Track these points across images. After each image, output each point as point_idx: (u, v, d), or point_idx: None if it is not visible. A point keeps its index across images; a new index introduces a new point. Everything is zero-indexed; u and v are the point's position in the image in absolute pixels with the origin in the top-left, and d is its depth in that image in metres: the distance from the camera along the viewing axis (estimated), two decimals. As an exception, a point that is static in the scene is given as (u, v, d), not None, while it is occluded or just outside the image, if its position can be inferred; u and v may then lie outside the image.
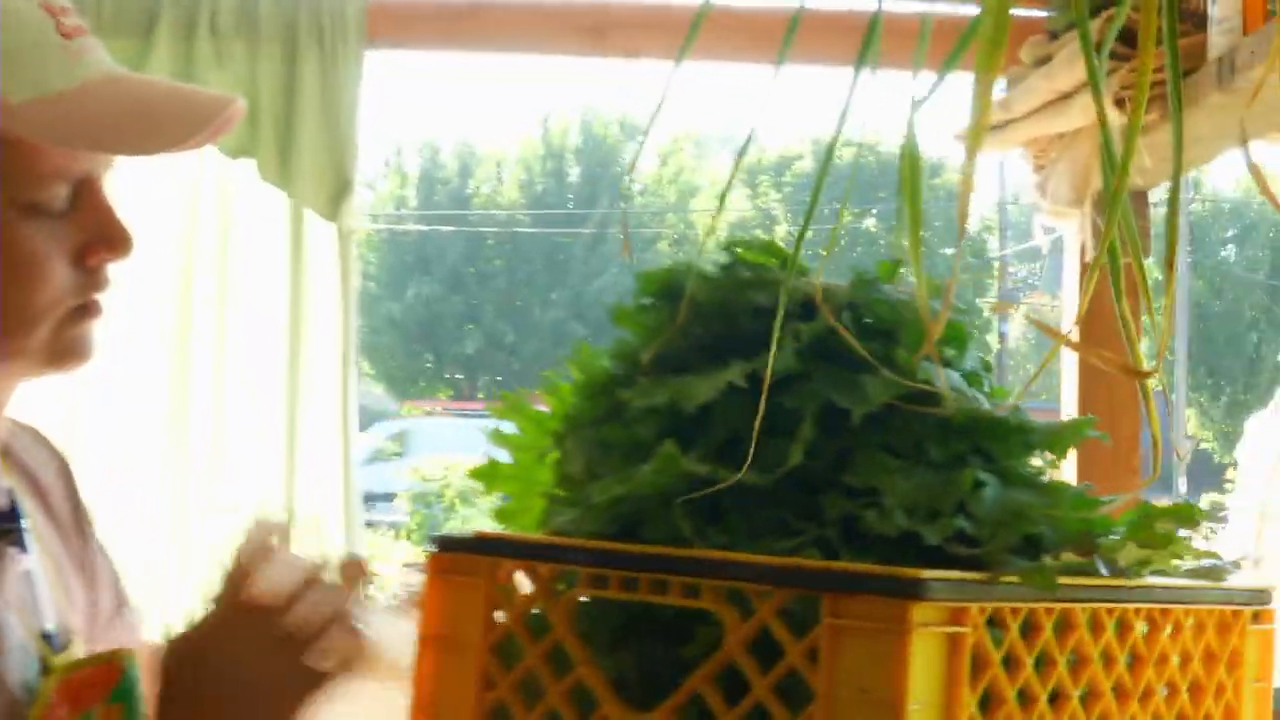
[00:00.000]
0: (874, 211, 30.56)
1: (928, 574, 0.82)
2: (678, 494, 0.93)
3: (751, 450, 0.91)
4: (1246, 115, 1.89)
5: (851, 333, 0.95)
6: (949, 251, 30.83)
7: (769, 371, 0.87)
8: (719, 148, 34.13)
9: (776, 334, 0.86)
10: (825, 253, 1.06)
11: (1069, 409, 2.86)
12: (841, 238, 33.05)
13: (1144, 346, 1.20)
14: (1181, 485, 24.59)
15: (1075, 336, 2.96)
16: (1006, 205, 28.24)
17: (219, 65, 2.51)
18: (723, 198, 0.97)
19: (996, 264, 28.82)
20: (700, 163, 32.33)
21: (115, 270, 1.19)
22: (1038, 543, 0.92)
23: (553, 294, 29.36)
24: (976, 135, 0.94)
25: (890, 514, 0.90)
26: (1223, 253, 30.24)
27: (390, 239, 31.65)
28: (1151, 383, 1.01)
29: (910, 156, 1.01)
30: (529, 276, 29.74)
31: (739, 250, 1.06)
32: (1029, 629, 0.90)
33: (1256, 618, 1.13)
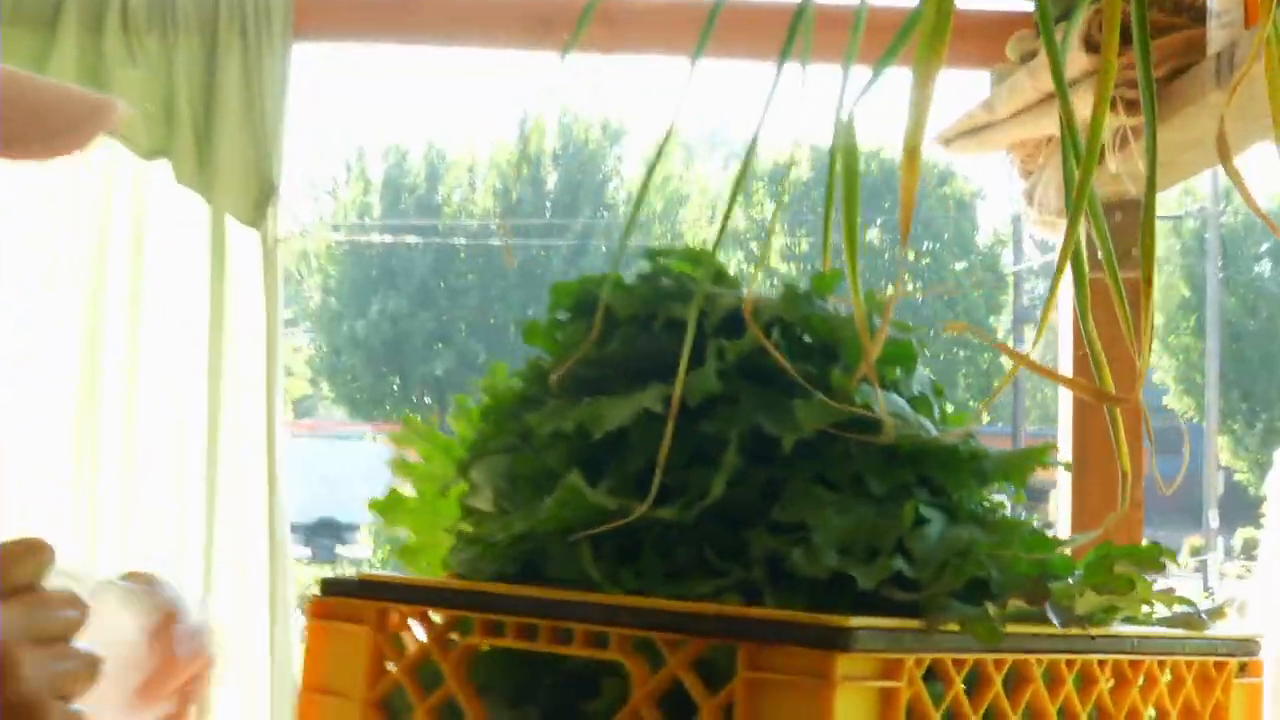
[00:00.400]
0: (878, 222, 30.63)
1: (856, 621, 0.80)
2: (585, 530, 0.91)
3: (668, 481, 0.88)
4: (1245, 114, 1.87)
5: (783, 351, 0.92)
6: (960, 266, 30.93)
7: (679, 394, 0.84)
8: (708, 152, 34.23)
9: (687, 350, 0.83)
10: (827, 267, 1.04)
11: (1064, 438, 2.84)
12: (840, 251, 32.91)
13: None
14: (1213, 519, 24.60)
15: (1070, 360, 2.95)
16: (1021, 217, 28.30)
17: (131, 61, 2.48)
18: (726, 215, 0.95)
19: (1011, 280, 28.89)
20: (689, 170, 32.40)
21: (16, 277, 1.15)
22: (985, 586, 0.90)
23: (529, 310, 29.33)
24: (915, 133, 0.92)
25: (820, 553, 0.88)
26: (1257, 268, 30.35)
27: (353, 250, 31.65)
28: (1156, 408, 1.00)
29: (846, 153, 0.99)
30: (503, 292, 29.72)
31: (661, 259, 1.03)
32: (976, 682, 0.88)
33: (1243, 669, 1.11)
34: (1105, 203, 2.83)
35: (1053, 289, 1.03)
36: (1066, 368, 2.85)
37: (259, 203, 2.53)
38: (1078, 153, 1.03)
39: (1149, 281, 1.05)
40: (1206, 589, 18.01)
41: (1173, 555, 0.95)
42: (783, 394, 0.94)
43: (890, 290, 0.96)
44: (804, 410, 0.92)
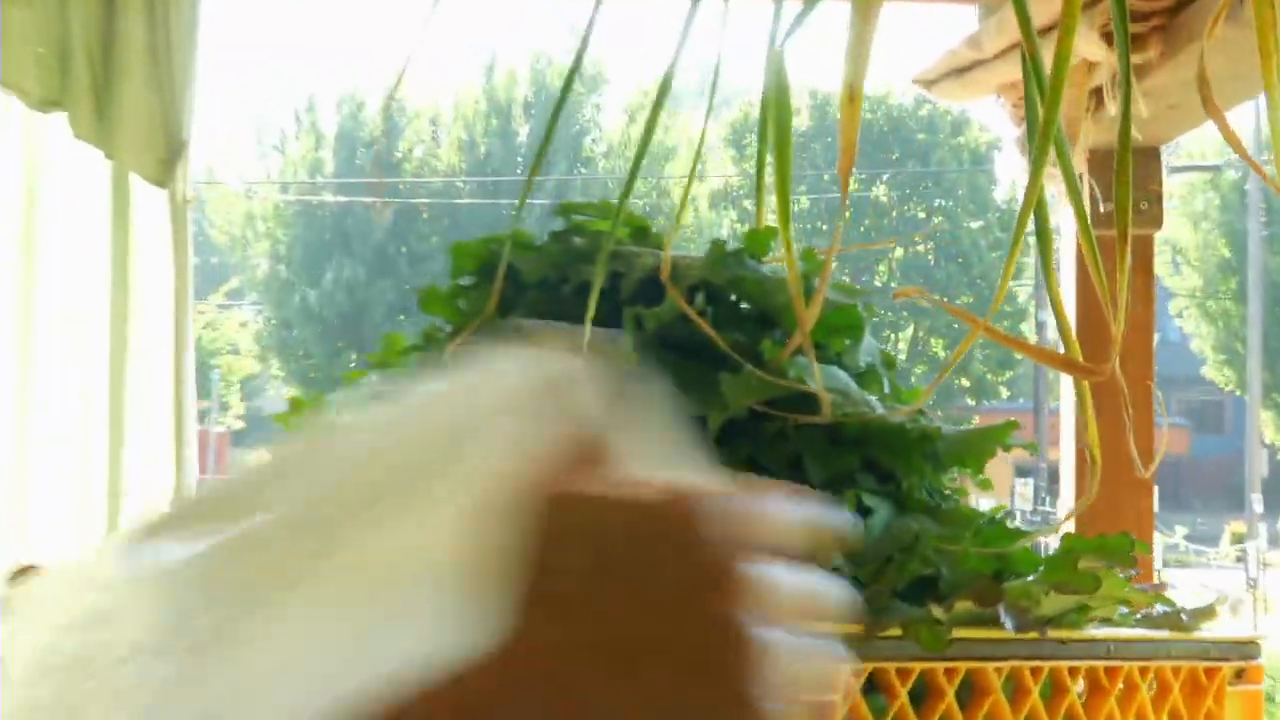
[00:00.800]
0: (883, 177, 30.65)
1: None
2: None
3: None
4: (1254, 59, 1.85)
5: (711, 319, 0.90)
6: (976, 225, 30.95)
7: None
8: (698, 102, 34.14)
9: (590, 317, 0.81)
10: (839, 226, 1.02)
11: (1067, 419, 2.82)
12: (847, 205, 32.90)
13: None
14: (1257, 503, 24.68)
15: (1073, 319, 2.93)
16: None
17: (24, 0, 2.44)
18: (692, 169, 0.92)
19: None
20: (676, 120, 32.33)
21: None
22: (934, 585, 0.88)
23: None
24: (855, 72, 0.90)
25: (745, 549, 0.86)
26: (1304, 225, 30.41)
27: (304, 212, 31.58)
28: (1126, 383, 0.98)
29: (778, 94, 0.97)
30: (471, 257, 29.68)
31: (576, 214, 1.01)
32: (925, 694, 0.86)
33: (1239, 675, 1.09)
34: (1109, 150, 2.80)
35: (1013, 248, 1.01)
36: (1071, 325, 2.83)
37: (167, 159, 2.50)
38: (1041, 88, 1.01)
39: (1124, 238, 1.03)
40: (1250, 581, 18.06)
41: (1145, 547, 0.93)
42: (710, 368, 0.91)
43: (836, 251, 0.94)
44: (730, 386, 0.89)
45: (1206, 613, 1.13)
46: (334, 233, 30.87)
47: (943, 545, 0.88)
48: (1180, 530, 25.05)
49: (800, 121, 31.04)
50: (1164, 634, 1.02)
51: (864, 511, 0.90)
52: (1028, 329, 29.66)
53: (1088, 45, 2.07)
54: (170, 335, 2.51)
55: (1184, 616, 1.09)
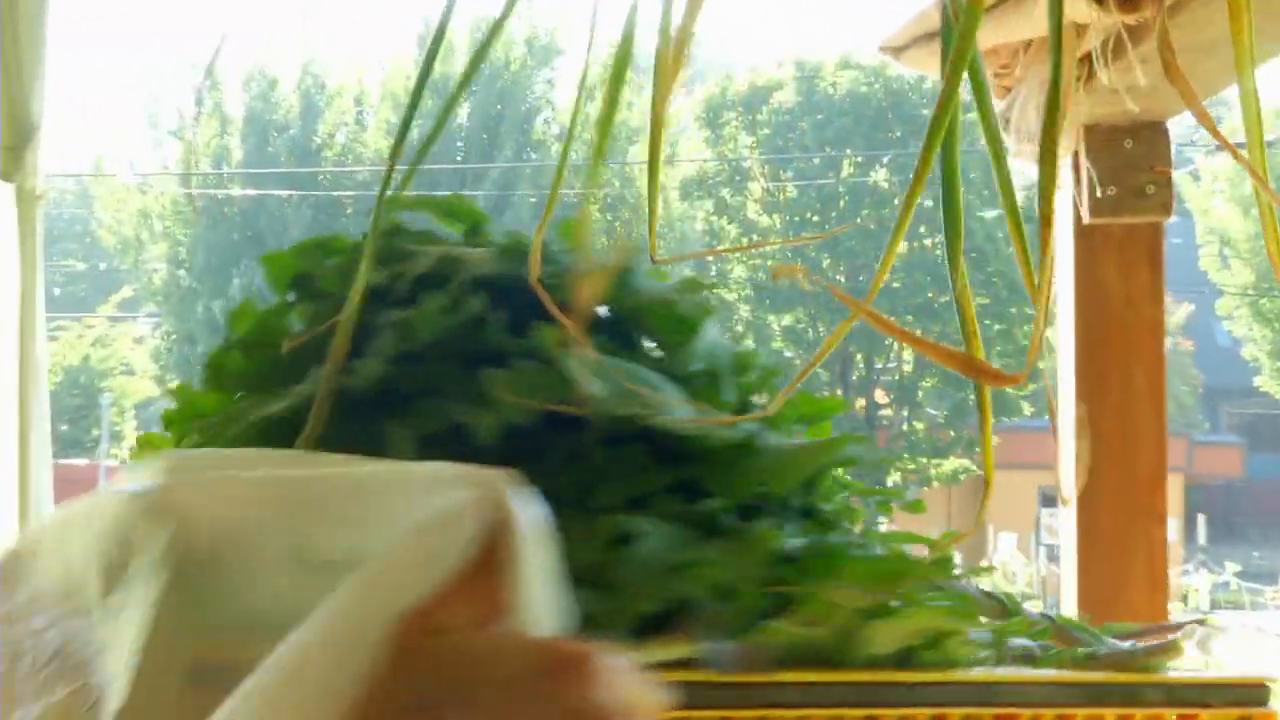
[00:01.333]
0: (884, 160, 30.72)
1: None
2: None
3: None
4: (1270, 10, 1.89)
5: (506, 322, 0.91)
6: (991, 215, 31.02)
7: (327, 387, 0.83)
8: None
9: (345, 328, 0.83)
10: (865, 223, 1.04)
11: (1065, 430, 2.85)
12: (841, 192, 33.02)
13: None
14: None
15: (1071, 320, 2.96)
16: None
17: None
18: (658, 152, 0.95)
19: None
20: (641, 95, 32.29)
21: None
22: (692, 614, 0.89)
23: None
24: (681, 28, 0.93)
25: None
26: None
27: (208, 209, 31.48)
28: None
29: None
30: (404, 258, 29.66)
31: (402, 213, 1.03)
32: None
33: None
34: (1111, 126, 2.84)
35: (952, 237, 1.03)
36: (1069, 327, 2.86)
37: (13, 148, 2.51)
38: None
39: (1046, 220, 1.06)
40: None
41: (946, 540, 0.96)
42: (487, 371, 0.92)
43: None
44: (500, 383, 0.88)
45: (1166, 650, 1.15)
46: (244, 233, 30.79)
47: (711, 572, 0.88)
48: (1232, 566, 25.02)
49: (785, 97, 31.13)
50: (1099, 676, 1.04)
51: (624, 539, 0.90)
52: (1051, 335, 29.68)
53: (1074, 3, 2.10)
54: (13, 353, 2.51)
55: (1139, 650, 1.11)
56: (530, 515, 0.70)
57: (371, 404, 0.88)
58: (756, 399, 1.05)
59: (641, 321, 0.96)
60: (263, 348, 0.97)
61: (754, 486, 0.92)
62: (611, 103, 1.12)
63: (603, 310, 1.04)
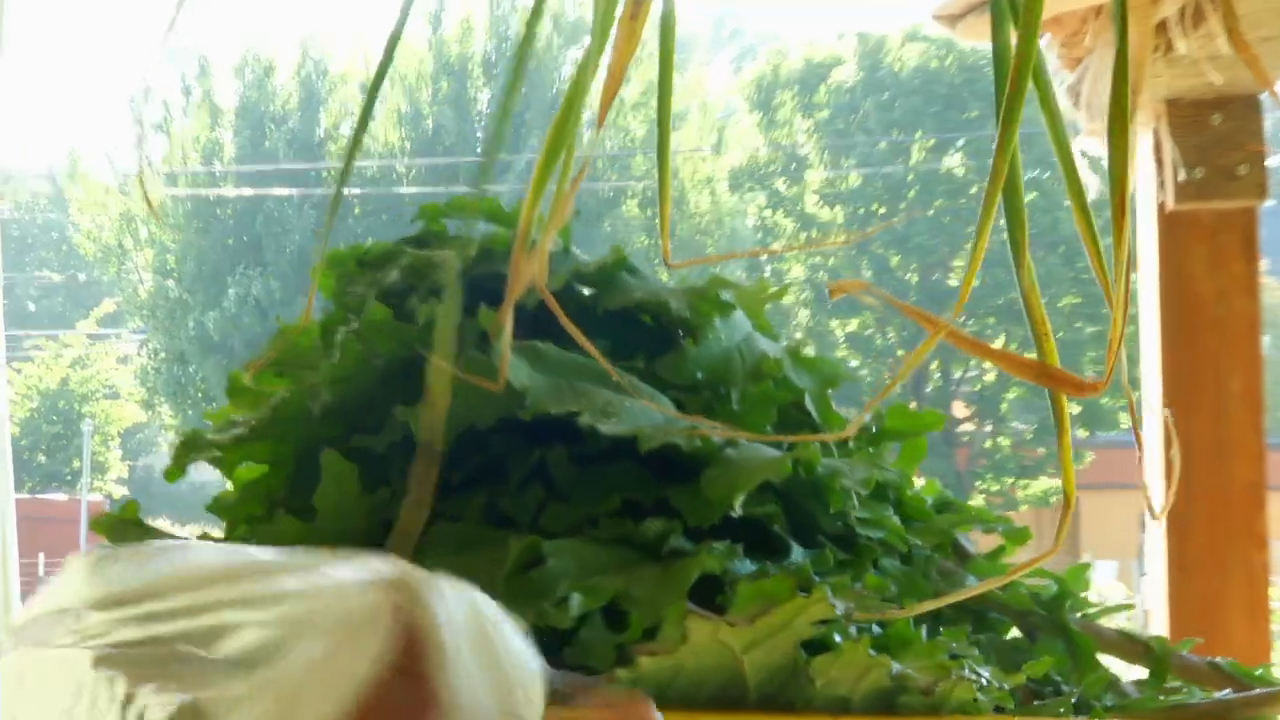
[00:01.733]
0: (958, 143, 30.64)
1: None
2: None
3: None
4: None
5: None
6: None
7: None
8: (710, 53, 34.17)
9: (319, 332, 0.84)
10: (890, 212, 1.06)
11: (1151, 441, 2.85)
12: (910, 180, 32.78)
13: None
14: None
15: (1155, 320, 2.95)
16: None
17: None
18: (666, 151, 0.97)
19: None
20: (684, 76, 32.33)
21: None
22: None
23: (457, 288, 29.27)
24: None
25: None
26: None
27: (197, 211, 31.56)
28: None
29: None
30: (418, 263, 29.67)
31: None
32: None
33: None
34: (1196, 101, 2.83)
35: (986, 219, 1.03)
36: (1153, 327, 2.86)
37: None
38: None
39: (1121, 208, 1.06)
40: None
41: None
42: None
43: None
44: (438, 375, 0.89)
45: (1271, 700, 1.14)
46: (239, 237, 30.86)
47: (630, 600, 0.90)
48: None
49: (845, 73, 31.07)
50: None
51: (535, 563, 0.92)
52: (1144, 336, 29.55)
53: (1142, -38, 2.10)
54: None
55: (1234, 703, 1.10)
56: (455, 609, 0.72)
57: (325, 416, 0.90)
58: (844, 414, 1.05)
59: (632, 323, 0.98)
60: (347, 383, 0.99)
61: (717, 503, 0.93)
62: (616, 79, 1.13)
63: (602, 311, 1.05)
